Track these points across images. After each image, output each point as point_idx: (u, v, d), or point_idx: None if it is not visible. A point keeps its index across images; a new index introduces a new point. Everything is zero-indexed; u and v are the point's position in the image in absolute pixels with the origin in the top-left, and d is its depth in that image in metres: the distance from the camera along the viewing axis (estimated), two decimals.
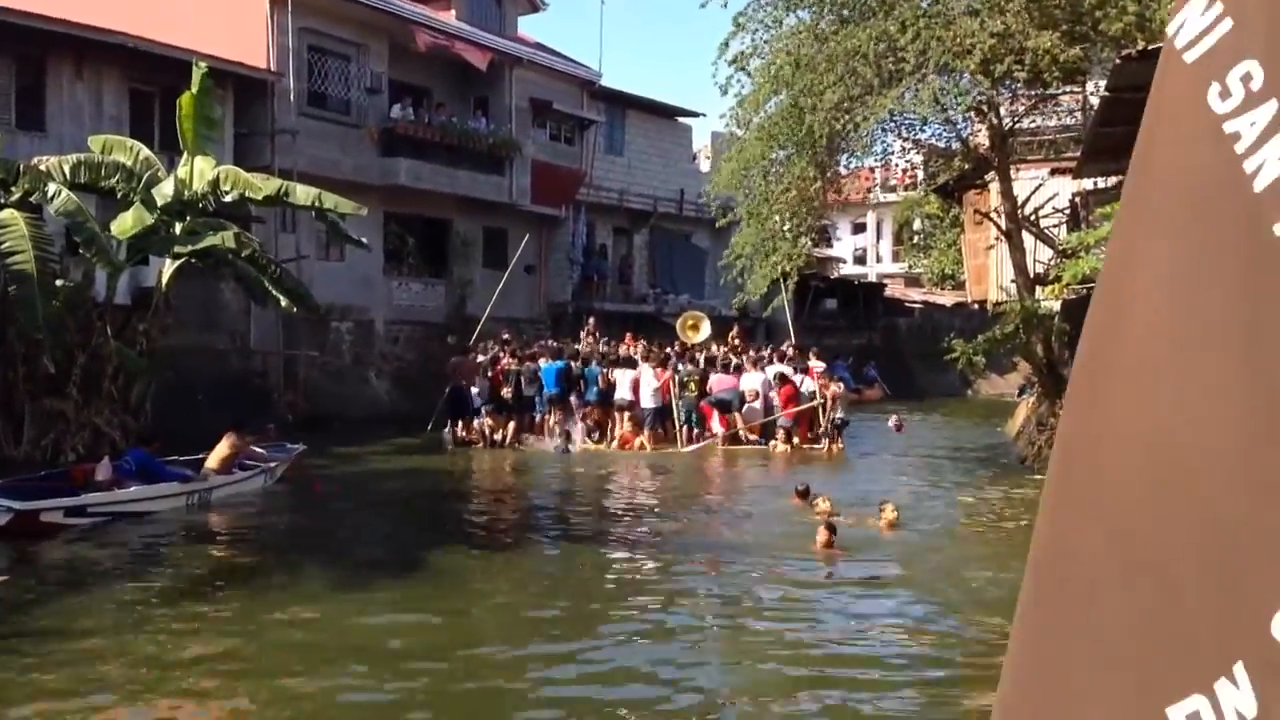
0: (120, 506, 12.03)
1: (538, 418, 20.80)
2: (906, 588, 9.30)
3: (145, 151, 16.54)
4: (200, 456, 13.61)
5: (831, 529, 10.28)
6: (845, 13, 15.90)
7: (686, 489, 15.85)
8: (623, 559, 10.54)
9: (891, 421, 24.11)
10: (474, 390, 20.37)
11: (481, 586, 9.45)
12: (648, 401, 19.97)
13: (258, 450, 14.66)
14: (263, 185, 15.82)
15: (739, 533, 11.84)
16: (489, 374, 20.39)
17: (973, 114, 17.25)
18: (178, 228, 15.84)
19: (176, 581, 9.44)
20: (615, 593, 9.21)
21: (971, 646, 7.63)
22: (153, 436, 13.68)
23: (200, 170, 15.86)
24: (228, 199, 15.81)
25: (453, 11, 26.86)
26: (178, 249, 15.53)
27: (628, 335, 23.79)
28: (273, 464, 14.60)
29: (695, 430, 20.16)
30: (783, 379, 20.29)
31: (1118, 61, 12.42)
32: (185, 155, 16.08)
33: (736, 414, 20.07)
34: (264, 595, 8.88)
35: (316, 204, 15.89)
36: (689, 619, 8.34)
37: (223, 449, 13.65)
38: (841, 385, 20.94)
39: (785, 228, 17.53)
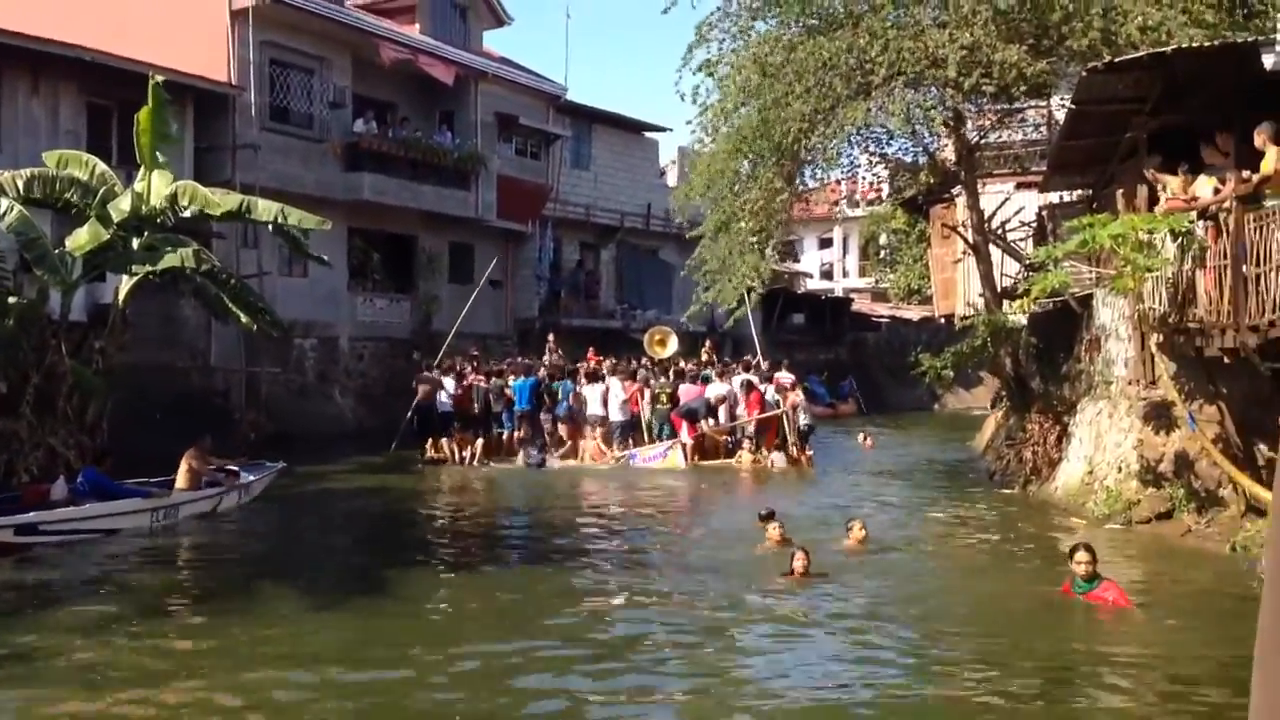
0: (77, 525, 11.80)
1: (504, 434, 20.75)
2: (872, 621, 8.72)
3: (101, 166, 16.23)
4: (171, 478, 13.56)
5: (806, 553, 9.88)
6: (813, 23, 15.88)
7: (655, 506, 15.68)
8: (584, 584, 10.12)
9: (861, 438, 24.13)
10: (440, 403, 20.27)
11: (437, 609, 9.20)
12: (616, 415, 20.08)
13: (229, 467, 14.52)
14: (222, 200, 15.54)
15: (706, 557, 11.39)
16: (455, 389, 20.26)
17: (940, 128, 17.28)
18: (135, 244, 15.52)
19: (123, 603, 9.22)
20: (568, 628, 8.53)
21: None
22: (104, 454, 13.40)
23: (157, 185, 15.56)
24: (186, 214, 15.51)
25: (417, 25, 26.67)
26: (135, 266, 15.19)
27: (590, 351, 23.74)
28: (248, 481, 14.42)
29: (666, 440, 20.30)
30: (749, 386, 20.52)
31: (1084, 74, 12.45)
32: (142, 170, 15.79)
33: (703, 421, 20.19)
34: (217, 618, 8.62)
35: (279, 219, 15.62)
36: (646, 657, 7.78)
37: (185, 467, 13.61)
38: (800, 394, 21.01)
39: (752, 240, 17.47)
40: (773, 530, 11.45)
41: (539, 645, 7.92)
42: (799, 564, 9.77)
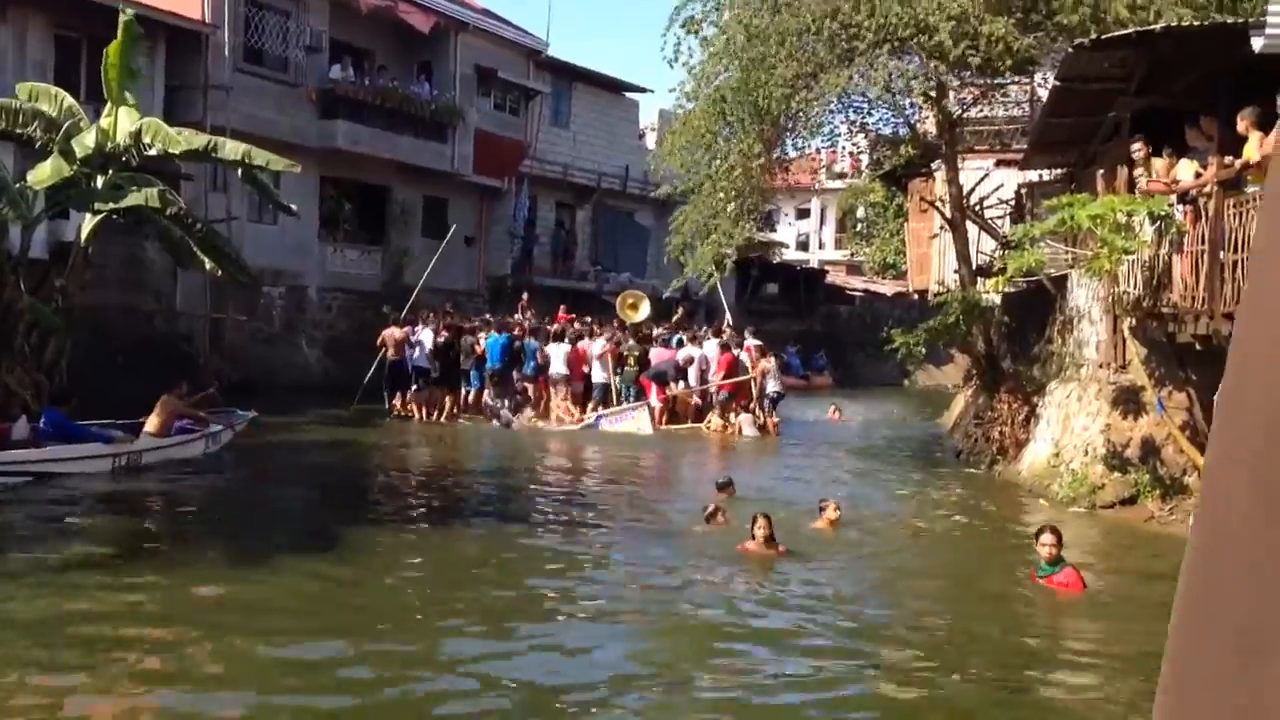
0: (36, 467, 11.70)
1: (472, 391, 20.65)
2: (829, 604, 8.48)
3: (69, 100, 15.87)
4: (140, 421, 13.38)
5: (769, 520, 9.49)
6: None
7: (621, 473, 15.59)
8: (544, 549, 9.90)
9: (830, 411, 24.11)
10: (414, 358, 20.16)
11: (392, 567, 9.02)
12: (598, 376, 20.03)
13: (199, 414, 14.38)
14: (188, 140, 15.18)
15: (666, 525, 11.21)
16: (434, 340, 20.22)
17: (921, 100, 17.12)
18: (99, 181, 15.19)
19: (70, 548, 9.03)
20: (528, 594, 8.41)
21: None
22: (67, 395, 13.17)
23: (123, 122, 15.18)
24: (150, 152, 15.14)
25: None
26: (98, 204, 14.86)
27: (561, 309, 23.59)
28: (218, 429, 14.30)
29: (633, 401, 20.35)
30: (724, 348, 20.63)
31: (1070, 51, 12.31)
32: (109, 106, 15.40)
33: (672, 384, 20.25)
34: (166, 569, 8.45)
35: (246, 160, 15.30)
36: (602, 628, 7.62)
37: (159, 411, 13.53)
38: (771, 361, 21.02)
39: (729, 207, 17.30)
40: (720, 518, 10.57)
41: (471, 620, 7.74)
42: (760, 532, 9.36)
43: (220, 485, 12.91)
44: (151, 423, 13.46)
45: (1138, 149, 12.19)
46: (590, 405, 20.29)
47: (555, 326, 21.63)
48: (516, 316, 23.07)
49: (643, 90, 35.56)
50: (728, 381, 20.29)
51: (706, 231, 17.37)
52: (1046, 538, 8.76)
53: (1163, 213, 11.06)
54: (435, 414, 19.93)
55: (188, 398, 14.35)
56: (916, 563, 10.24)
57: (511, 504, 12.42)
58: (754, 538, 9.39)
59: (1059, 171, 18.56)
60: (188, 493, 12.19)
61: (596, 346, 20.35)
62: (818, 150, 22.38)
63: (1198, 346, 11.05)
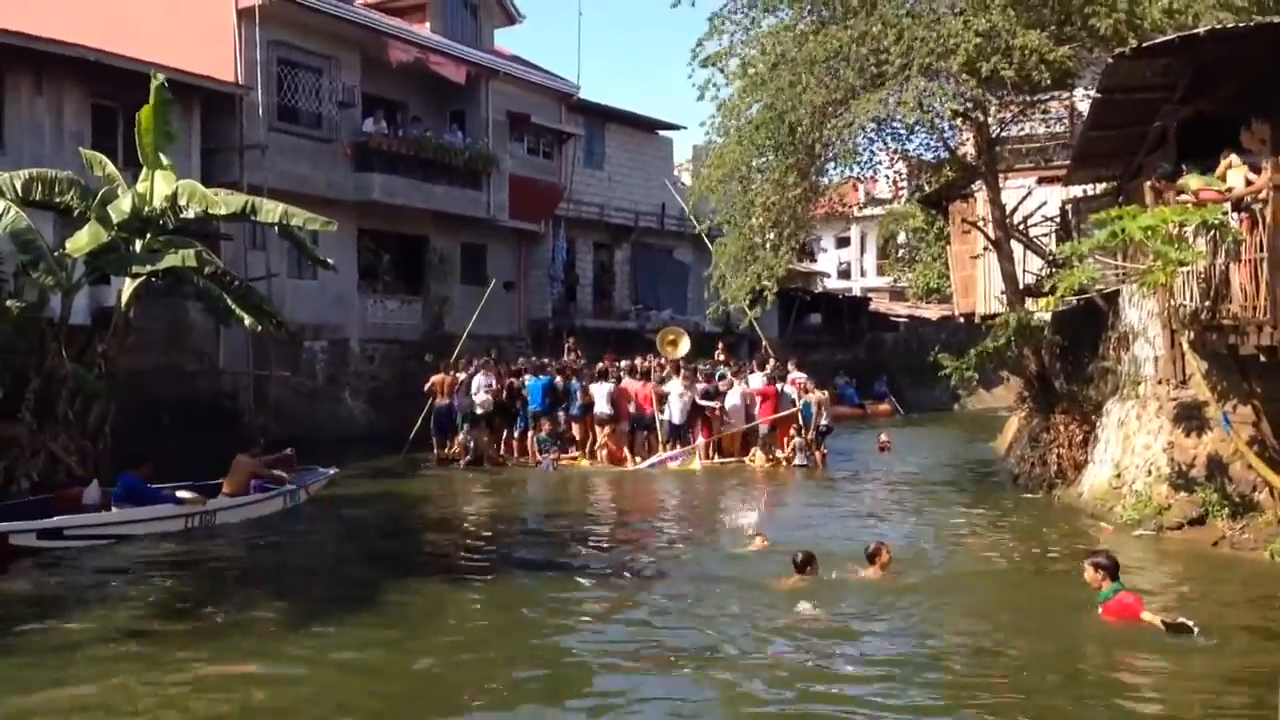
0: (105, 530, 11.69)
1: (516, 433, 20.53)
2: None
3: (110, 167, 16.04)
4: (218, 481, 13.46)
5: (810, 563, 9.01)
6: (825, 13, 15.45)
7: (668, 517, 15.27)
8: (590, 613, 9.22)
9: (879, 441, 23.68)
10: (454, 405, 20.25)
11: (439, 631, 8.72)
12: (676, 417, 19.94)
13: (274, 474, 14.34)
14: (225, 201, 15.21)
15: (717, 587, 10.15)
16: (487, 387, 20.30)
17: (959, 121, 16.83)
18: (138, 245, 15.25)
19: (113, 614, 8.90)
20: (575, 662, 7.89)
21: None
22: (140, 460, 13.04)
23: (159, 186, 15.26)
24: (188, 215, 15.19)
25: (428, 24, 26.35)
26: (135, 267, 14.89)
27: (607, 354, 23.44)
28: (293, 488, 14.28)
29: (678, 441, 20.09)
30: (771, 380, 20.40)
31: (1110, 61, 11.97)
32: (144, 171, 15.50)
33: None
34: (206, 637, 8.25)
35: (284, 220, 15.30)
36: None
37: (234, 471, 13.66)
38: (823, 393, 20.69)
39: (768, 237, 17.07)
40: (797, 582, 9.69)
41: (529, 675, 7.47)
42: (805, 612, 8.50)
43: (283, 545, 12.64)
44: (227, 483, 13.54)
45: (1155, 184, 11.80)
46: (665, 447, 19.97)
47: (599, 366, 21.47)
48: (566, 359, 22.95)
49: (676, 127, 35.54)
50: (772, 417, 19.98)
51: (745, 264, 17.13)
52: (1086, 571, 8.44)
53: (1217, 221, 10.66)
54: (481, 458, 19.74)
55: (263, 459, 14.33)
56: (979, 602, 9.66)
57: (559, 553, 12.08)
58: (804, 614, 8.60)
59: (1105, 185, 18.14)
60: (246, 555, 11.97)
61: (676, 386, 20.03)
62: (857, 179, 22.11)
63: (1262, 358, 10.60)
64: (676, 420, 19.95)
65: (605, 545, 12.56)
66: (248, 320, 15.51)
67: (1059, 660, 7.70)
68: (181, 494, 12.78)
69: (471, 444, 19.80)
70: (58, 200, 14.87)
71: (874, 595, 9.44)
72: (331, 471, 15.65)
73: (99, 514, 11.96)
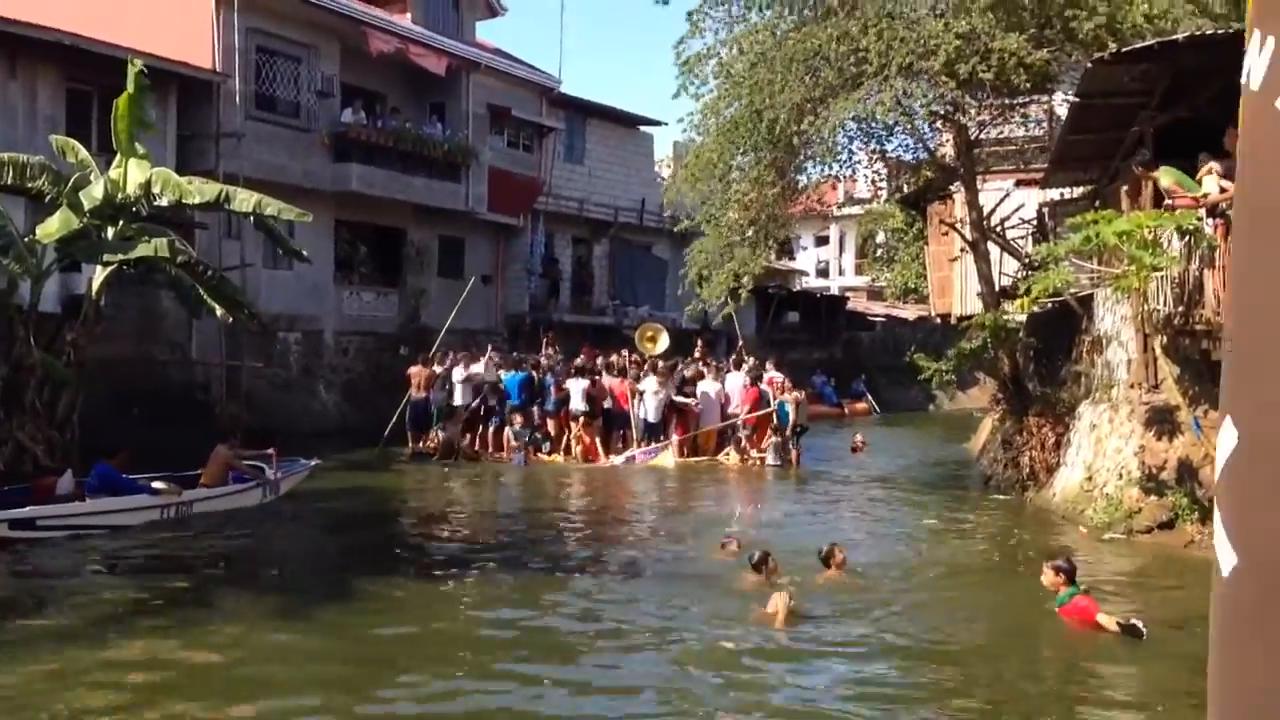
0: (78, 520, 11.58)
1: (491, 428, 20.48)
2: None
3: (83, 153, 15.83)
4: (196, 473, 13.44)
5: (790, 598, 8.50)
6: (806, 13, 15.43)
7: (636, 513, 15.23)
8: (559, 609, 9.13)
9: (853, 442, 23.71)
10: (430, 399, 20.26)
11: (412, 623, 8.71)
12: (652, 415, 19.90)
13: (252, 464, 14.25)
14: (199, 190, 15.05)
15: (683, 583, 10.18)
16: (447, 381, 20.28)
17: (938, 123, 16.85)
18: (110, 233, 15.08)
19: (83, 608, 8.79)
20: (539, 652, 7.87)
21: None
22: (115, 450, 12.91)
23: (133, 173, 15.08)
24: (161, 203, 15.02)
25: (409, 15, 26.18)
26: (107, 255, 14.71)
27: (584, 348, 23.39)
28: (277, 477, 14.19)
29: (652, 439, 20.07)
30: (753, 380, 20.45)
31: (1089, 65, 12.00)
32: (118, 157, 15.32)
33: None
34: (177, 629, 8.18)
35: (258, 210, 15.16)
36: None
37: (212, 461, 13.61)
38: (799, 393, 20.74)
39: (747, 234, 17.04)
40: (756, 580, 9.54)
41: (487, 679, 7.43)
42: (778, 609, 8.35)
43: (257, 539, 12.53)
44: (205, 474, 13.48)
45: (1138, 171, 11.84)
46: (638, 443, 19.94)
47: (576, 362, 21.42)
48: (544, 353, 22.87)
49: (657, 123, 35.50)
50: (751, 416, 20.01)
51: (722, 261, 17.10)
52: (1045, 574, 8.55)
53: (1191, 227, 10.71)
54: (455, 452, 19.64)
55: (241, 453, 14.21)
56: (942, 602, 9.71)
57: (531, 548, 12.05)
58: (778, 618, 8.37)
59: (1082, 189, 18.21)
60: (219, 547, 11.79)
61: (651, 384, 19.98)
62: (836, 177, 22.12)
63: None
64: (651, 418, 19.92)
65: (574, 542, 12.52)
66: (219, 311, 15.37)
67: (1019, 658, 7.76)
68: (157, 484, 12.63)
69: (446, 439, 19.71)
70: (29, 185, 14.67)
71: (832, 595, 9.42)
72: (312, 463, 15.52)
73: (73, 504, 11.83)
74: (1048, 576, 8.53)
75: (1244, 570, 1.45)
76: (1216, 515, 1.51)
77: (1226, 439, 1.48)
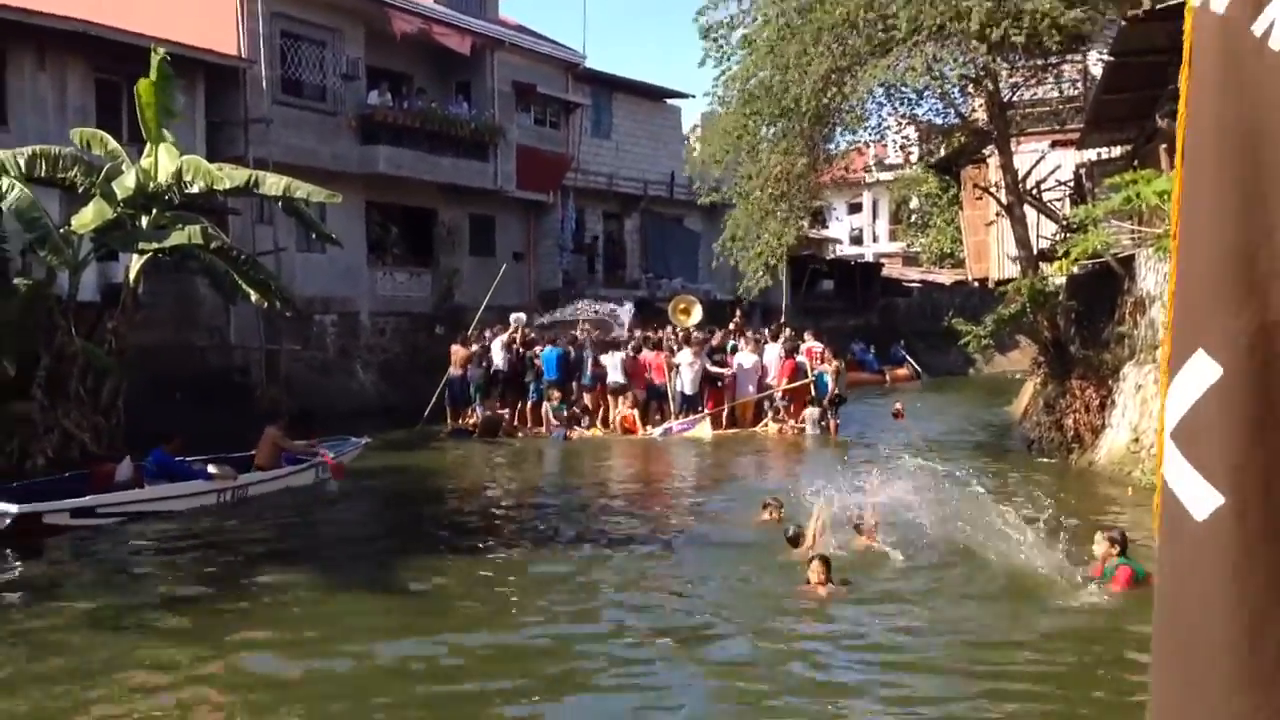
0: (137, 507, 11.85)
1: (531, 404, 20.65)
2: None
3: (112, 143, 15.95)
4: (250, 454, 13.74)
5: (826, 563, 8.57)
6: None
7: (675, 487, 15.24)
8: (597, 586, 9.24)
9: (893, 408, 23.54)
10: (468, 376, 20.38)
11: (459, 610, 8.77)
12: (688, 388, 19.91)
13: (303, 448, 14.45)
14: (229, 175, 15.14)
15: (727, 558, 10.25)
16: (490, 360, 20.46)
17: (970, 85, 16.63)
18: (143, 221, 15.21)
19: (136, 594, 9.01)
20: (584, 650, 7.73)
21: None
22: (170, 435, 13.12)
23: (164, 162, 15.19)
24: (192, 190, 15.12)
25: None
26: (142, 244, 14.85)
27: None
28: (329, 458, 14.35)
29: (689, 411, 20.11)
30: (790, 352, 20.32)
31: (1123, 24, 11.79)
32: (148, 146, 15.43)
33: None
34: (235, 615, 8.32)
35: (288, 194, 15.23)
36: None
37: (263, 444, 13.84)
38: (839, 363, 20.66)
39: (780, 207, 16.94)
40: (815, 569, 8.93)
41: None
42: (814, 577, 8.48)
43: (310, 518, 12.81)
44: (258, 456, 13.74)
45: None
46: (674, 414, 19.99)
47: (612, 335, 21.45)
48: (581, 328, 22.88)
49: (684, 96, 35.31)
50: (788, 386, 19.96)
51: (755, 235, 17.02)
52: (1098, 544, 8.49)
53: None
54: (494, 429, 19.72)
55: (289, 435, 14.38)
56: (984, 572, 9.58)
57: (573, 524, 12.10)
58: (808, 582, 8.55)
59: (1119, 149, 17.95)
60: (275, 532, 11.95)
61: (687, 356, 19.99)
62: (866, 144, 21.92)
63: None
64: (688, 390, 19.92)
65: (616, 518, 12.54)
66: (254, 296, 15.48)
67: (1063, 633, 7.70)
68: (211, 469, 12.84)
69: (488, 416, 19.81)
70: (62, 177, 14.80)
71: (866, 565, 9.39)
72: (363, 441, 15.71)
73: (132, 491, 12.08)
74: (1101, 547, 8.42)
75: (1233, 508, 1.40)
76: (1179, 459, 1.44)
77: (1201, 374, 1.42)
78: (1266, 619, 1.39)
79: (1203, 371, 1.42)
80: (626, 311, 22.05)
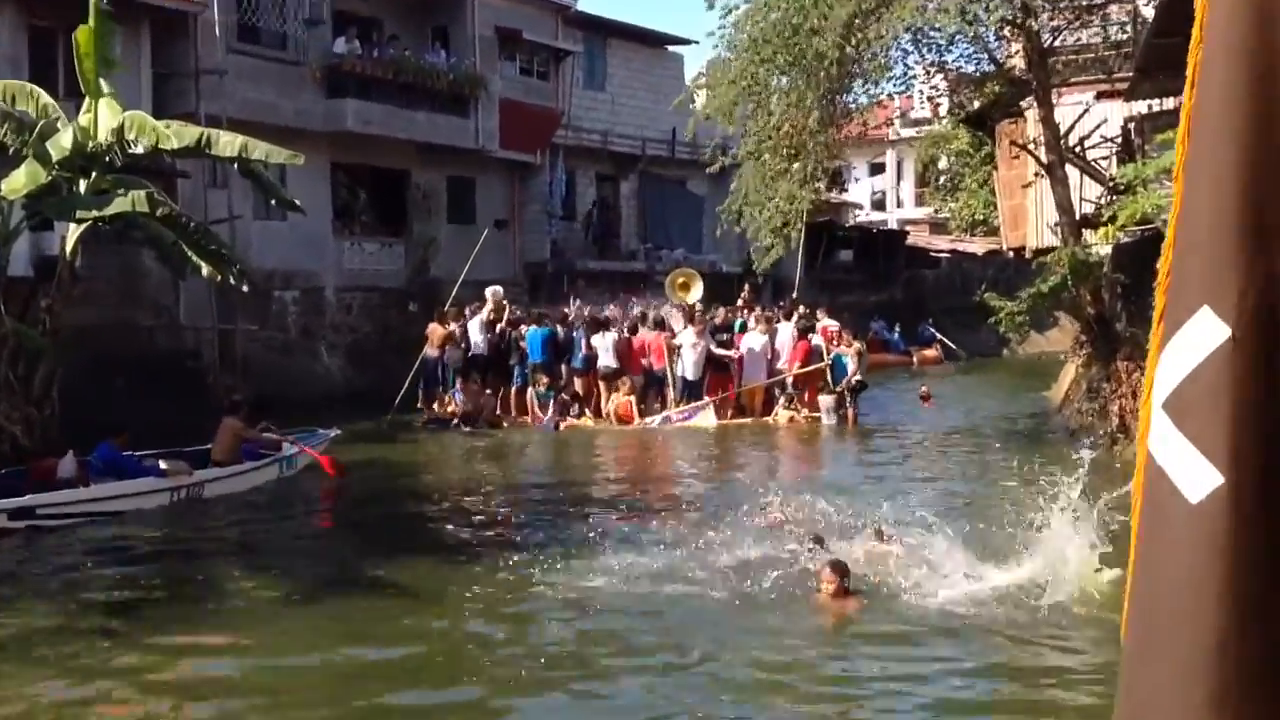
0: (82, 507, 11.76)
1: (515, 389, 20.52)
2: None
3: (46, 99, 15.80)
4: (206, 448, 13.64)
5: (841, 571, 8.41)
6: None
7: (672, 485, 15.14)
8: (586, 598, 8.98)
9: (920, 393, 23.56)
10: (444, 358, 20.30)
11: (423, 624, 8.68)
12: (690, 373, 19.82)
13: (266, 438, 14.46)
14: (177, 134, 14.99)
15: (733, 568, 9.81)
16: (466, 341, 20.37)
17: (1006, 30, 16.52)
18: (82, 186, 15.09)
19: (80, 603, 8.96)
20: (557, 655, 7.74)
21: None
22: (119, 428, 13.09)
23: (104, 118, 15.05)
24: (136, 150, 14.98)
25: None
26: (80, 212, 14.73)
27: (622, 294, 23.42)
28: (293, 452, 14.37)
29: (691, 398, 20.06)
30: (803, 333, 20.33)
31: None
32: (87, 101, 15.29)
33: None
34: (181, 626, 8.28)
35: (243, 154, 15.10)
36: None
37: (220, 436, 13.72)
38: (860, 344, 20.57)
39: (794, 167, 16.85)
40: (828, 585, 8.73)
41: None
42: (827, 587, 8.35)
43: (269, 519, 12.75)
44: (215, 449, 13.64)
45: None
46: (674, 403, 19.99)
47: (604, 314, 21.34)
48: (571, 306, 22.81)
49: (687, 42, 35.15)
50: (799, 370, 19.89)
51: (764, 199, 16.94)
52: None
53: None
54: (474, 417, 19.64)
55: (250, 424, 14.31)
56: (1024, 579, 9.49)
57: (554, 527, 11.99)
58: (819, 591, 8.43)
59: (1174, 100, 17.83)
60: (228, 532, 12.00)
61: (689, 336, 19.91)
62: (890, 96, 21.80)
63: None
64: (690, 375, 19.83)
65: (605, 520, 12.41)
66: (206, 269, 15.38)
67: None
68: (164, 465, 12.77)
69: (468, 402, 19.73)
70: None
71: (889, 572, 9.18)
72: (331, 433, 15.69)
73: (77, 490, 11.99)
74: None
75: (1234, 488, 1.35)
76: (1172, 431, 1.40)
77: (1204, 335, 1.37)
78: (1264, 615, 1.35)
79: (1206, 332, 1.37)
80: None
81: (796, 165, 17.13)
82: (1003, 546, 10.23)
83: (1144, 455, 1.47)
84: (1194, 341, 1.37)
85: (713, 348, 19.97)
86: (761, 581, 9.00)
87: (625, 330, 20.44)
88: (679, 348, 19.97)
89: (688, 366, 19.85)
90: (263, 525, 12.45)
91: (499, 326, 20.67)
